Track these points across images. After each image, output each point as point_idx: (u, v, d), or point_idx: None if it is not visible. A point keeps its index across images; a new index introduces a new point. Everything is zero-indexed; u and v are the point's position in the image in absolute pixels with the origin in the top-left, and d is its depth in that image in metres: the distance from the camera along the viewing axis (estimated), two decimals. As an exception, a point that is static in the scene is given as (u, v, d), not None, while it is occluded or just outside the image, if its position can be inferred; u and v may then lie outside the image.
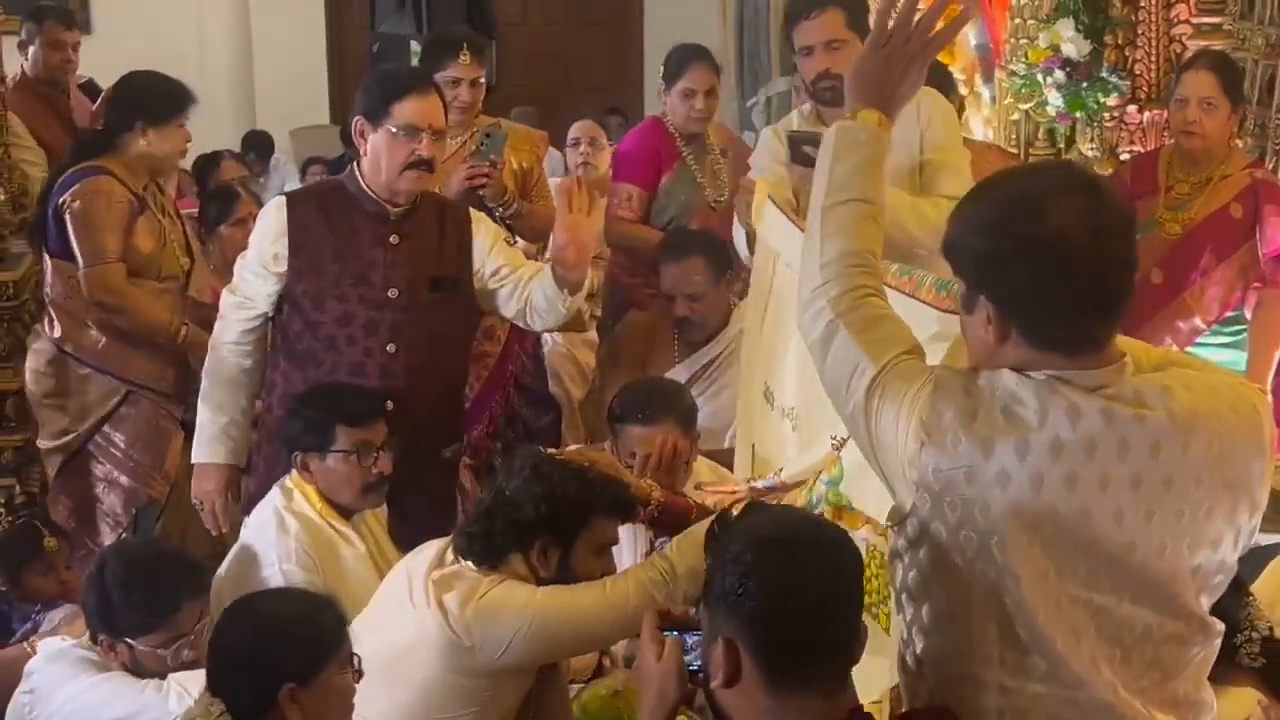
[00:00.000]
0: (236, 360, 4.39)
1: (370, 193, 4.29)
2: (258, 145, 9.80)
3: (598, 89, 11.31)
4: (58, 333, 5.14)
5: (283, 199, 4.40)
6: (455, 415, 4.61)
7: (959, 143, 4.76)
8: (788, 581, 2.31)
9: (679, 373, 5.22)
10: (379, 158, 4.24)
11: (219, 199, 6.17)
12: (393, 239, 4.31)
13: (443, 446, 4.49)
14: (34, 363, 5.22)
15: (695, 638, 2.54)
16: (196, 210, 6.29)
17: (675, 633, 2.57)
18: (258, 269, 4.33)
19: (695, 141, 5.87)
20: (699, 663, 2.46)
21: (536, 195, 5.63)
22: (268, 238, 4.30)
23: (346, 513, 4.09)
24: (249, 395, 4.43)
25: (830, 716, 2.34)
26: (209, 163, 7.13)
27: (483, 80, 5.42)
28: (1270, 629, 3.15)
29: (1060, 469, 2.32)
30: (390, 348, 4.30)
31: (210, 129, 7.80)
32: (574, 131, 7.24)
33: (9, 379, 5.41)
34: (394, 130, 4.20)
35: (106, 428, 5.14)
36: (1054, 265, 2.31)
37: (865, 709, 2.48)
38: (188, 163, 7.01)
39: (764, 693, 2.33)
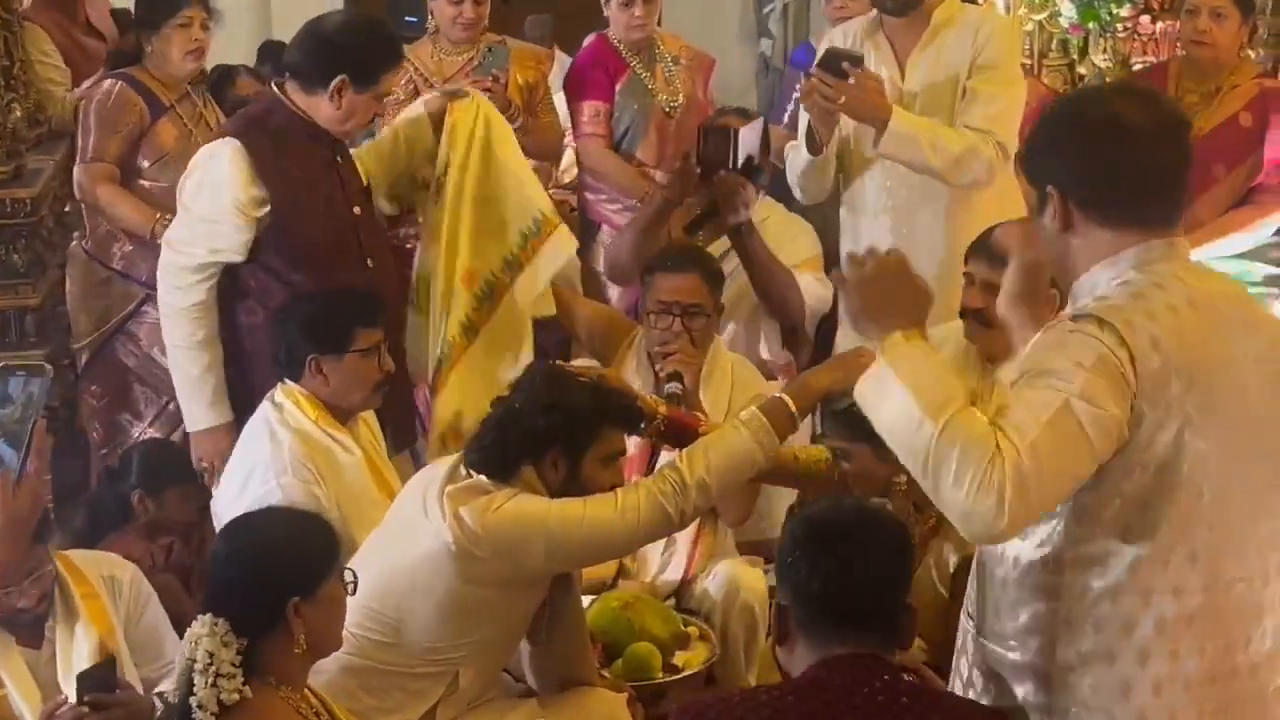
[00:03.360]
0: (208, 318, 4.33)
1: (306, 118, 4.34)
2: (274, 57, 9.74)
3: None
4: (85, 234, 5.29)
5: (234, 142, 4.30)
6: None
7: (1010, 72, 4.86)
8: (828, 560, 2.56)
9: None
10: (353, 113, 4.35)
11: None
12: (338, 159, 4.43)
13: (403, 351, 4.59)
14: (70, 265, 5.37)
15: None
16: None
17: None
18: (234, 218, 4.26)
19: (643, 51, 5.81)
20: None
21: (541, 110, 5.66)
22: (239, 184, 4.25)
23: (345, 417, 4.12)
24: (220, 347, 4.38)
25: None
26: (224, 78, 7.12)
27: None
28: None
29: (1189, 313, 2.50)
30: (369, 262, 4.43)
31: (226, 43, 7.82)
32: None
33: (28, 295, 5.44)
34: (375, 97, 4.37)
35: (130, 325, 5.22)
36: (1113, 138, 2.51)
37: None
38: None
39: (808, 656, 2.58)
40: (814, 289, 5.16)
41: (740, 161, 4.95)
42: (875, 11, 4.90)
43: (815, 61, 4.74)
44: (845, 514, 2.72)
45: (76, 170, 5.21)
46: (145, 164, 5.17)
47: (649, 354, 4.43)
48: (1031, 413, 2.41)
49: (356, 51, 4.32)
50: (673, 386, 4.19)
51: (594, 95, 5.76)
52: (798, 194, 5.09)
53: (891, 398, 2.50)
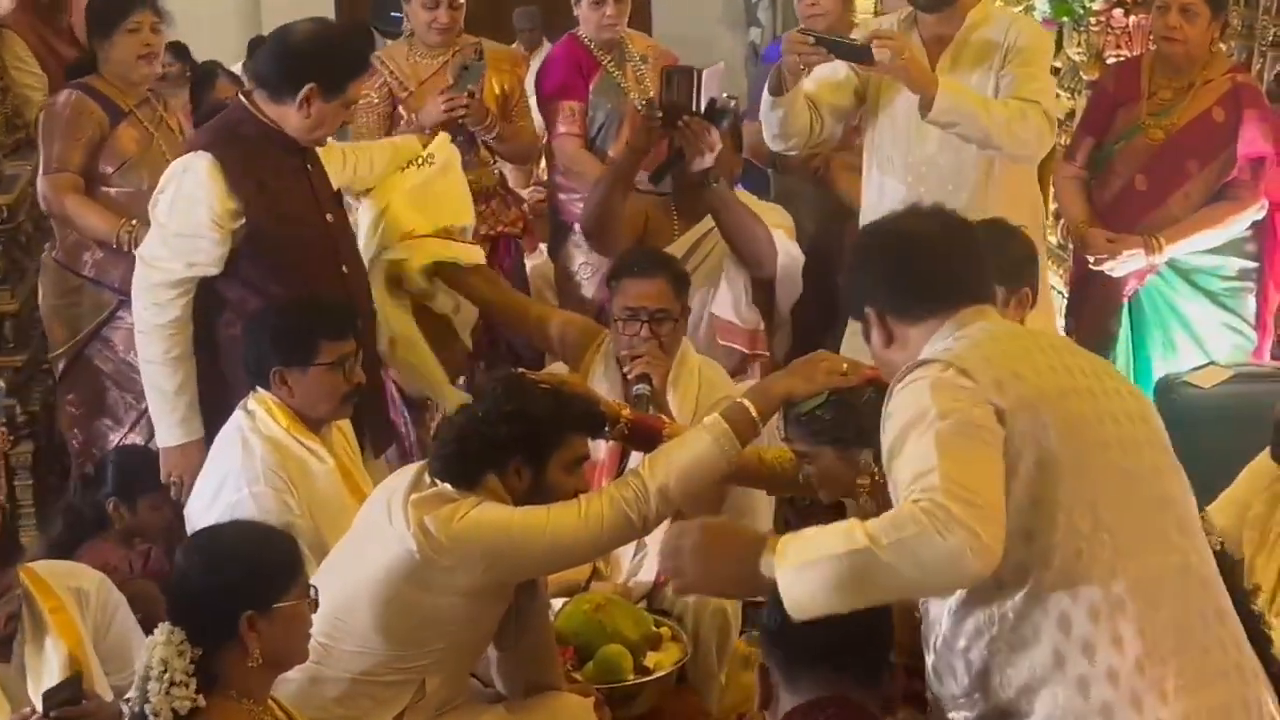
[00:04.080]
0: (183, 334, 4.33)
1: (275, 127, 4.34)
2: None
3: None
4: (55, 244, 5.28)
5: (206, 155, 4.29)
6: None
7: (1045, 63, 4.92)
8: (807, 625, 2.54)
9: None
10: (321, 123, 4.34)
11: (209, 117, 6.17)
12: (308, 167, 4.44)
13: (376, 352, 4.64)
14: (42, 275, 5.37)
15: None
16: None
17: None
18: (211, 232, 4.25)
19: (614, 50, 5.81)
20: None
21: (517, 114, 5.67)
22: (215, 197, 4.25)
23: (316, 426, 4.13)
24: (194, 362, 4.38)
25: None
26: (205, 79, 7.14)
27: (462, 1, 5.46)
28: (1221, 544, 3.22)
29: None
30: (345, 269, 4.45)
31: (216, 41, 7.84)
32: None
33: (6, 300, 5.48)
34: (343, 105, 4.37)
35: (105, 332, 5.22)
36: (901, 247, 2.84)
37: None
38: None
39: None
40: (786, 244, 5.15)
41: (704, 105, 4.92)
42: (910, 9, 4.89)
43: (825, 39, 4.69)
44: None
45: (40, 182, 5.21)
46: (108, 170, 5.16)
47: (617, 359, 4.44)
48: (919, 460, 2.48)
49: (324, 61, 4.32)
50: (641, 388, 4.20)
51: (568, 95, 5.75)
52: (774, 142, 5.03)
53: (821, 578, 2.48)
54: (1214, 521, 3.69)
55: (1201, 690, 2.56)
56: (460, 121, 5.27)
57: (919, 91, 4.61)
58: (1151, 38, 5.62)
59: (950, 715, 2.70)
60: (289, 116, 4.31)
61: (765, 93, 4.85)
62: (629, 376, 4.32)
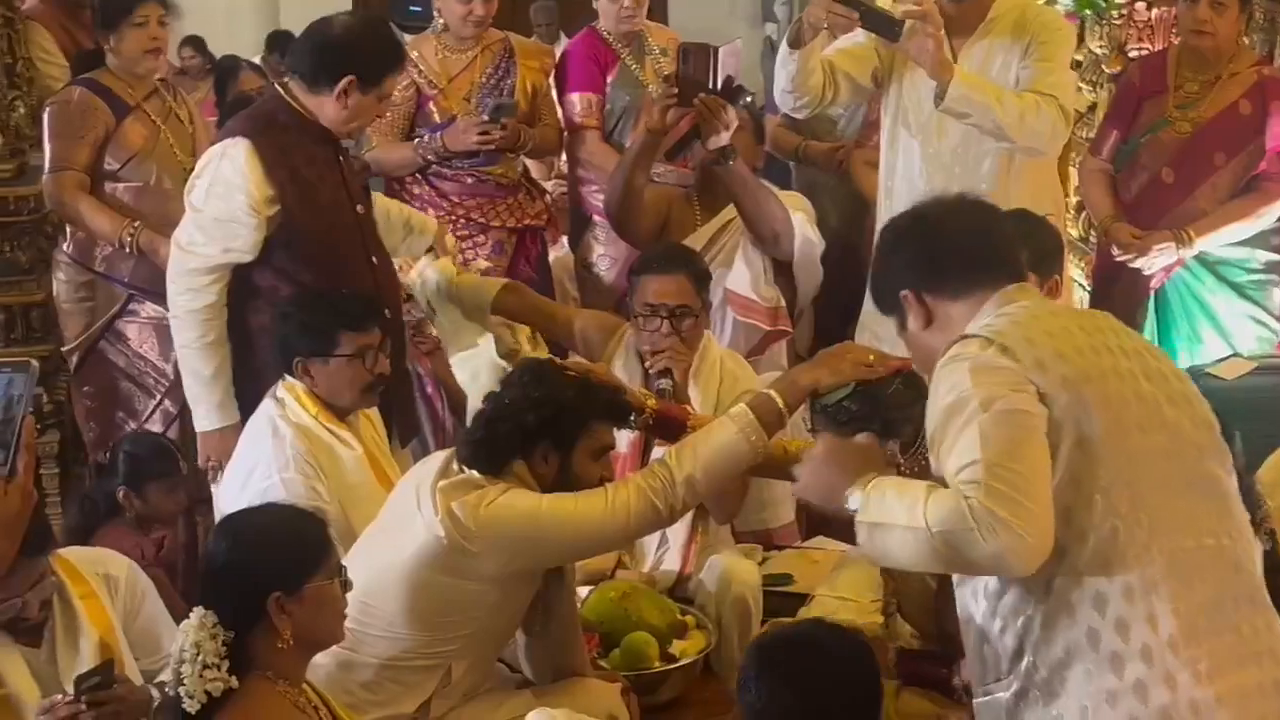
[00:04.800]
0: (220, 319, 4.37)
1: (310, 117, 4.36)
2: (282, 46, 9.79)
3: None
4: (66, 239, 5.31)
5: (244, 141, 4.33)
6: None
7: (1065, 58, 4.93)
8: (783, 681, 2.68)
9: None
10: (357, 115, 4.40)
11: (238, 108, 6.20)
12: (340, 158, 4.48)
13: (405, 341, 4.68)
14: (54, 270, 5.41)
15: None
16: (216, 120, 6.36)
17: None
18: (248, 217, 4.29)
19: (633, 42, 5.82)
20: None
21: (545, 111, 5.72)
22: (252, 183, 4.28)
23: (343, 414, 4.16)
24: (229, 347, 4.43)
25: None
26: (229, 71, 7.18)
27: None
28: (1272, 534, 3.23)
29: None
30: (374, 260, 4.48)
31: (233, 35, 7.87)
32: None
33: (32, 291, 5.50)
34: (378, 99, 4.41)
35: (117, 325, 5.26)
36: (935, 227, 2.85)
37: None
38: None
39: None
40: (804, 228, 5.14)
41: (720, 82, 4.91)
42: None
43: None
44: (804, 633, 2.90)
45: (45, 180, 5.20)
46: (114, 165, 5.17)
47: (638, 352, 4.45)
48: (964, 453, 2.51)
49: (364, 53, 4.36)
50: (663, 383, 4.21)
51: (587, 87, 5.76)
52: (783, 98, 5.03)
53: (886, 542, 2.60)
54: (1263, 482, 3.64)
55: (1234, 672, 2.57)
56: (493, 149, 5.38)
57: (935, 77, 4.63)
58: (1175, 31, 5.61)
59: (982, 696, 2.70)
60: (325, 107, 4.34)
61: (783, 44, 4.87)
62: (651, 371, 4.33)
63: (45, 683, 3.45)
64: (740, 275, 5.14)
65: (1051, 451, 2.54)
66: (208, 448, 4.47)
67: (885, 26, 4.63)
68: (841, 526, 4.78)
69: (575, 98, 5.78)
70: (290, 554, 3.03)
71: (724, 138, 4.93)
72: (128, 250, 5.04)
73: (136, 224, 5.03)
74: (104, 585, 3.60)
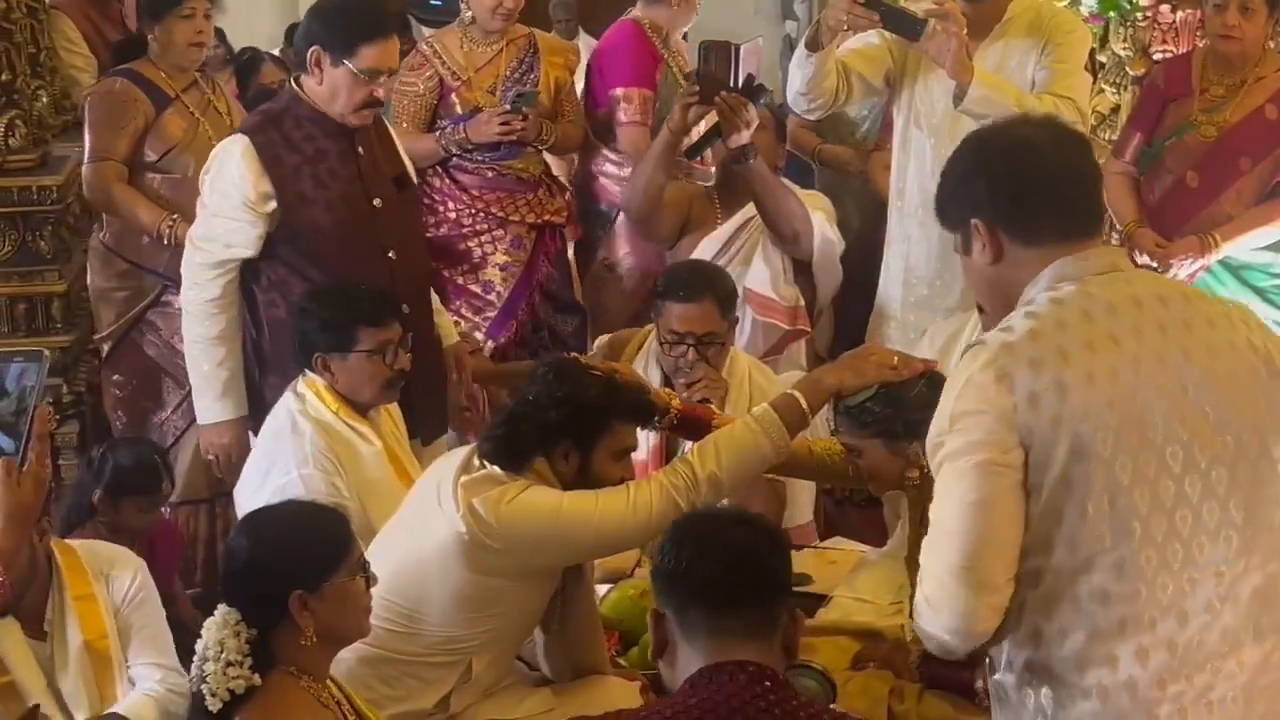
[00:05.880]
0: (225, 315, 4.39)
1: (323, 111, 4.34)
2: (301, 39, 9.76)
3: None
4: (103, 228, 5.31)
5: (243, 138, 4.34)
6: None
7: (1081, 60, 4.92)
8: (692, 541, 2.65)
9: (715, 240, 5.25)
10: (336, 91, 4.30)
11: (259, 102, 6.20)
12: (360, 150, 4.42)
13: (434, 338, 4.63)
14: (90, 259, 5.41)
15: None
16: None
17: None
18: (244, 215, 4.30)
19: (666, 41, 5.83)
20: None
21: (568, 107, 5.70)
22: (248, 180, 4.28)
23: (363, 410, 4.16)
24: (239, 342, 4.44)
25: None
26: (250, 64, 7.16)
27: None
28: None
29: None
30: (391, 254, 4.43)
31: (251, 27, 7.85)
32: None
33: (54, 281, 5.50)
34: (356, 72, 4.27)
35: (150, 315, 5.26)
36: (1022, 157, 2.60)
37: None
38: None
39: (688, 663, 2.59)
40: (824, 227, 5.13)
41: (741, 80, 4.89)
42: None
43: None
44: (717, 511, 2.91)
45: (84, 170, 5.22)
46: (153, 157, 5.18)
47: (662, 369, 4.42)
48: (936, 508, 2.52)
49: (327, 21, 4.32)
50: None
51: (642, 83, 5.72)
52: (796, 99, 4.99)
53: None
54: None
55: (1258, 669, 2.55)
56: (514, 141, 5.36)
57: (955, 77, 4.62)
58: (1200, 34, 5.60)
59: (1007, 690, 2.67)
60: (317, 91, 4.32)
61: (800, 46, 4.84)
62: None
63: (49, 675, 3.49)
64: (759, 274, 5.14)
65: (1031, 491, 2.48)
66: (206, 440, 4.52)
67: (907, 26, 4.62)
68: (858, 527, 4.82)
69: (630, 92, 5.70)
70: (311, 552, 3.02)
71: (745, 136, 4.91)
72: (165, 241, 5.05)
73: (175, 216, 5.04)
74: (105, 586, 3.62)
